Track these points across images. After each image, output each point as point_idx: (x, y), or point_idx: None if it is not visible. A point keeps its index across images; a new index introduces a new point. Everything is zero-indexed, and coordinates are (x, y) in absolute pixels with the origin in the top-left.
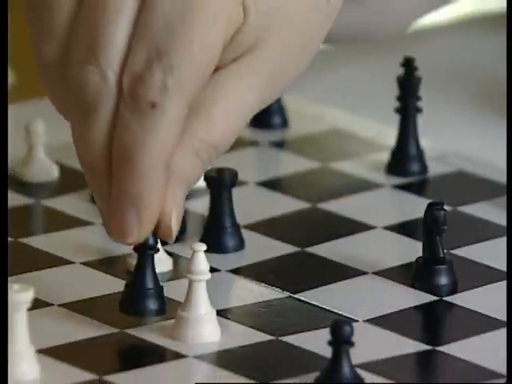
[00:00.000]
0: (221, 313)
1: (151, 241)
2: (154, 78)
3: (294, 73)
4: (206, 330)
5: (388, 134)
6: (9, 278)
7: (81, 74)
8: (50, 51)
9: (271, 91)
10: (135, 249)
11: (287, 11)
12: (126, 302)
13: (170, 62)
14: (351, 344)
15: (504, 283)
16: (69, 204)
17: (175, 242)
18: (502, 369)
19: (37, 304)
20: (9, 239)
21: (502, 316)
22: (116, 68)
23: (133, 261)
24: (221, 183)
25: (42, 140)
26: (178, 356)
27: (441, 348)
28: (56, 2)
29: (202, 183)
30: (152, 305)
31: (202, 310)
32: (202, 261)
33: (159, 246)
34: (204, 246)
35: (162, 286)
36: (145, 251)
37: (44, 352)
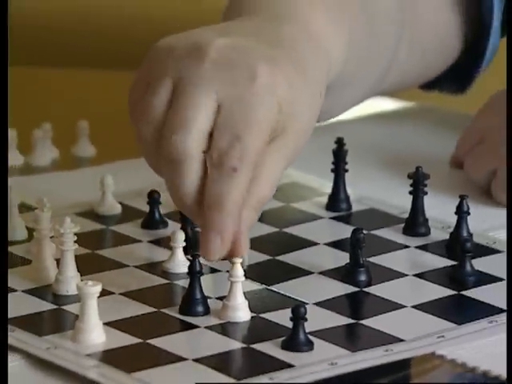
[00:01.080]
0: (221, 298)
1: (198, 267)
2: (235, 153)
3: (303, 145)
4: (241, 314)
5: (327, 185)
6: (84, 276)
7: (173, 147)
8: (148, 133)
9: (292, 160)
10: (188, 274)
11: (301, 107)
12: (183, 307)
13: (244, 144)
14: (305, 319)
15: (403, 279)
16: (127, 229)
17: None
18: (400, 335)
19: (104, 293)
20: (87, 251)
21: (401, 301)
22: (196, 143)
23: (167, 265)
24: None
25: (111, 189)
26: (192, 326)
27: (361, 321)
28: (152, 108)
29: None
30: (200, 309)
31: (239, 301)
32: (238, 269)
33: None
34: (240, 260)
35: (206, 297)
36: (195, 274)
37: (108, 324)
